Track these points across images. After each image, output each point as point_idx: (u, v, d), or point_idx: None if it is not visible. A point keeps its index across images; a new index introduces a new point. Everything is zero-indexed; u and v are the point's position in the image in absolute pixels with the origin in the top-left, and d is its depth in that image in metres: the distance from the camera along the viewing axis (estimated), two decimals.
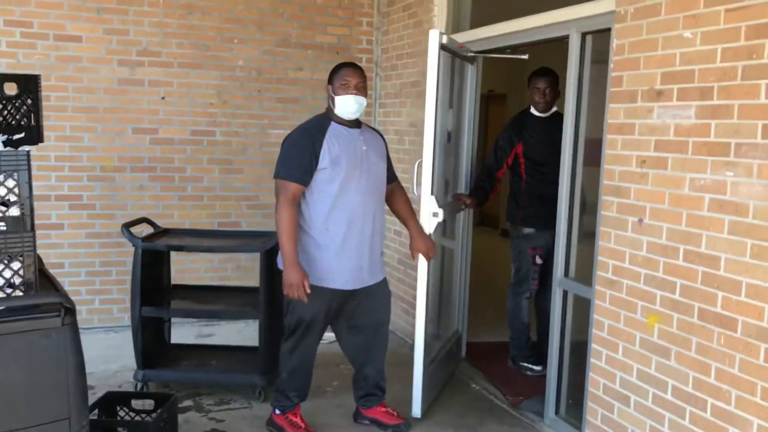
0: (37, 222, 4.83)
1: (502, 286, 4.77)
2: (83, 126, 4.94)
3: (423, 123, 4.73)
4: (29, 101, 2.63)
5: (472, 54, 4.32)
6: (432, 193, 3.63)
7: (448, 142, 4.59)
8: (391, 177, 3.56)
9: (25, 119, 2.63)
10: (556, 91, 4.10)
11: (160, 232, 4.14)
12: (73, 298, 5.33)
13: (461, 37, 4.43)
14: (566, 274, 3.61)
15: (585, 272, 3.52)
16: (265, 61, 5.33)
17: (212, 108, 5.24)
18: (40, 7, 4.73)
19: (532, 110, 4.15)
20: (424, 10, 4.86)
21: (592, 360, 3.27)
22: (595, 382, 3.25)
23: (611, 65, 3.10)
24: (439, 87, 3.65)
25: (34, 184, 4.64)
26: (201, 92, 5.20)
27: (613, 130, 3.10)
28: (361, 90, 3.28)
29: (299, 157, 3.18)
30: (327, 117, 3.33)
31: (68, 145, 4.90)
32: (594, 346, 3.26)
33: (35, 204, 2.58)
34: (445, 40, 3.66)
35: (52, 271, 5.18)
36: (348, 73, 3.28)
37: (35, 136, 2.67)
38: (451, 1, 4.72)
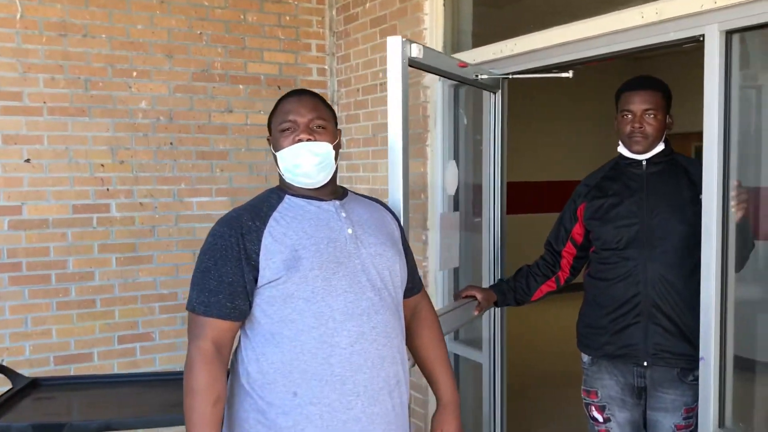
0: None
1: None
2: None
3: (417, 179, 3.34)
4: None
5: (497, 76, 2.93)
6: None
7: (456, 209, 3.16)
8: (414, 285, 1.98)
9: None
10: (666, 118, 2.42)
11: (24, 388, 2.45)
12: None
13: (479, 55, 3.05)
14: (721, 423, 2.20)
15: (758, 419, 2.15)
16: (179, 101, 3.75)
17: (103, 171, 3.60)
18: None
19: (622, 150, 2.49)
20: (409, 22, 3.45)
21: None
22: None
23: None
24: (406, 127, 2.19)
25: None
26: (86, 149, 3.55)
27: None
28: (321, 132, 1.79)
29: (219, 270, 1.69)
30: (279, 189, 1.84)
31: None
32: None
33: None
34: (416, 52, 2.22)
35: None
36: (291, 108, 1.80)
37: None
38: (449, 9, 3.34)
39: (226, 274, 1.67)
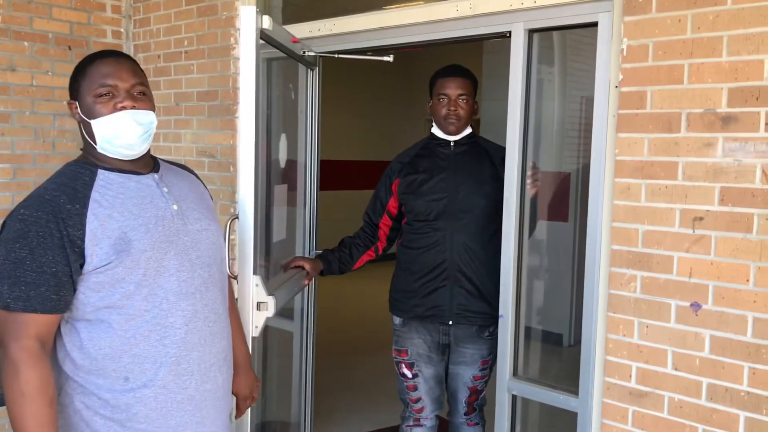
0: None
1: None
2: None
3: (226, 151, 3.34)
4: None
5: (313, 54, 3.02)
6: (255, 272, 2.24)
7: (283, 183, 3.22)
8: None
9: None
10: (474, 104, 2.71)
11: None
12: None
13: (295, 31, 3.11)
14: (515, 373, 2.53)
15: (550, 370, 2.51)
16: None
17: None
18: None
19: (436, 131, 2.76)
20: None
21: None
22: None
23: (620, 77, 2.11)
24: (259, 97, 2.30)
25: None
26: None
27: (627, 171, 2.10)
28: (143, 99, 1.71)
29: (38, 260, 1.54)
30: (86, 164, 1.70)
31: None
32: None
33: None
34: (267, 23, 2.30)
35: None
36: (109, 71, 1.67)
37: None
38: None
39: (47, 264, 1.54)
